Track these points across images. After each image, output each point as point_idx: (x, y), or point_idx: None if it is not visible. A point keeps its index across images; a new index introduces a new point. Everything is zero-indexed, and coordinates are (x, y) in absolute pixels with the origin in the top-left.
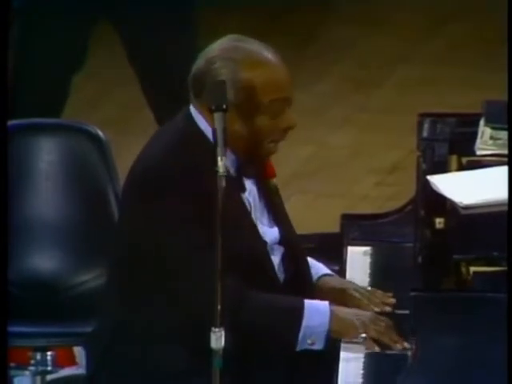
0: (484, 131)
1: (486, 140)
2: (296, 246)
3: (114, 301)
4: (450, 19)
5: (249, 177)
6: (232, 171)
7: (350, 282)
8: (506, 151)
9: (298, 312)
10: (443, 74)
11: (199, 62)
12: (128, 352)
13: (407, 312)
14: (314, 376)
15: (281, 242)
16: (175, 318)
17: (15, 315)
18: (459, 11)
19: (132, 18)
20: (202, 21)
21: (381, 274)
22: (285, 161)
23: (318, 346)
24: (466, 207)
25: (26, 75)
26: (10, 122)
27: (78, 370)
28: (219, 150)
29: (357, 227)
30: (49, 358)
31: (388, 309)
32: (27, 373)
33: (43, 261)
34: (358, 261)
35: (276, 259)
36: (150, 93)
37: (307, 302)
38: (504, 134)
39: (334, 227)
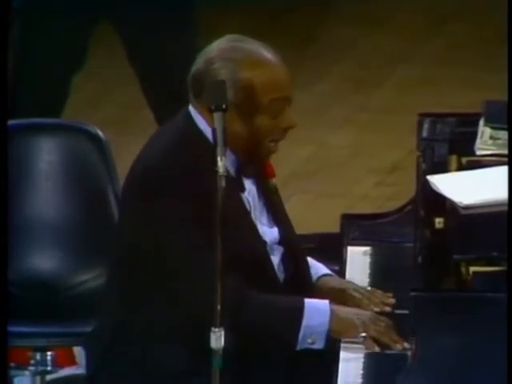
0: (484, 131)
1: (486, 140)
2: (296, 246)
3: (113, 301)
4: (450, 19)
5: (248, 177)
6: (232, 171)
7: (350, 282)
8: (505, 151)
9: (298, 311)
10: (443, 74)
11: (198, 63)
12: (128, 352)
13: (407, 312)
14: (314, 376)
15: (280, 242)
16: (175, 317)
17: (15, 315)
18: (459, 11)
19: (132, 17)
20: (202, 21)
21: (381, 274)
22: (285, 161)
23: (319, 345)
24: (466, 207)
25: (26, 75)
26: (10, 122)
27: (77, 369)
28: (219, 149)
29: (357, 227)
30: (49, 357)
31: (388, 309)
32: (27, 373)
33: (43, 261)
34: (358, 261)
35: (276, 259)
36: (150, 93)
37: (307, 301)
38: (504, 134)
39: (333, 227)
